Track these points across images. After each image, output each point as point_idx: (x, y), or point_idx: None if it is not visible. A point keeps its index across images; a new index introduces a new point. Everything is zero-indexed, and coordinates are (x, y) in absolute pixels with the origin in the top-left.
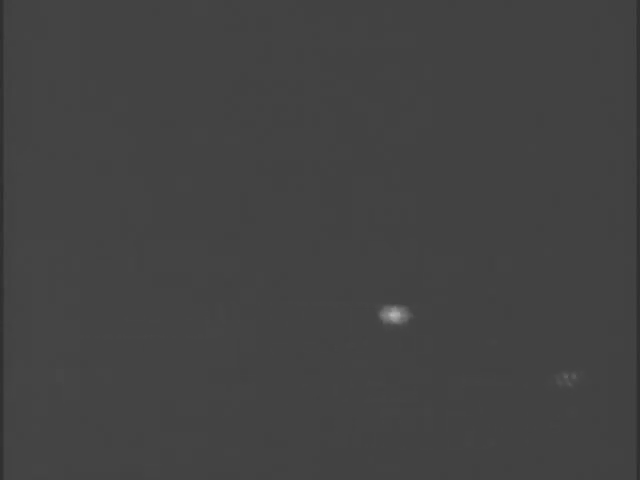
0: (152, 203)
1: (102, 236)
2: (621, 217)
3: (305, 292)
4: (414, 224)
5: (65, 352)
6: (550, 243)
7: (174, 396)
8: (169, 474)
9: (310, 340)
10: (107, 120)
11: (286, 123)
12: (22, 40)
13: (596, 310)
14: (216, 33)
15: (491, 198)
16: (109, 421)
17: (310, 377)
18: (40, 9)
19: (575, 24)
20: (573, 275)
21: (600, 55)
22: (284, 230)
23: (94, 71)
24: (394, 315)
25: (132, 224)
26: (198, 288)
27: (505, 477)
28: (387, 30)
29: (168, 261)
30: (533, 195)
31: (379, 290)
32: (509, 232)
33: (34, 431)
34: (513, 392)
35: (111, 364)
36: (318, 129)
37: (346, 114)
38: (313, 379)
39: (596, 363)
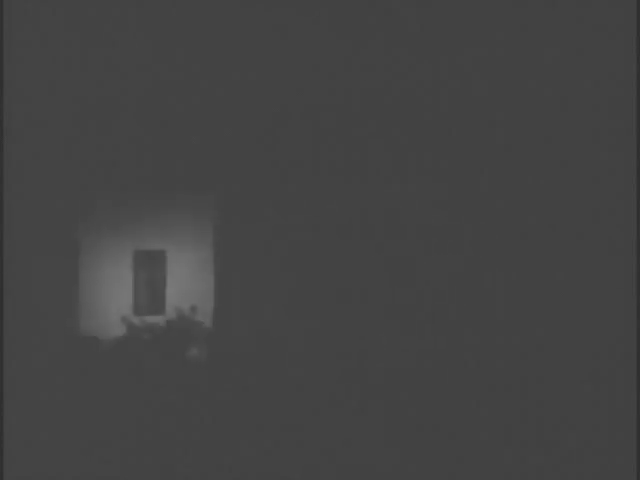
0: (153, 203)
1: (102, 235)
2: (621, 217)
3: (305, 291)
4: (415, 225)
5: (65, 352)
6: (551, 245)
7: (174, 397)
8: (170, 474)
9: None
10: (108, 120)
11: (288, 126)
12: (22, 40)
13: (596, 311)
14: (217, 34)
15: (493, 200)
16: (110, 421)
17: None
18: (40, 9)
19: (575, 24)
20: (574, 277)
21: (600, 55)
22: (284, 229)
23: (95, 71)
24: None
25: (133, 223)
26: (198, 286)
27: (505, 476)
28: (385, 35)
29: (169, 264)
30: (534, 198)
31: (380, 290)
32: (510, 234)
33: (34, 431)
34: (512, 393)
35: (112, 365)
36: (319, 131)
37: (347, 118)
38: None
39: (596, 364)
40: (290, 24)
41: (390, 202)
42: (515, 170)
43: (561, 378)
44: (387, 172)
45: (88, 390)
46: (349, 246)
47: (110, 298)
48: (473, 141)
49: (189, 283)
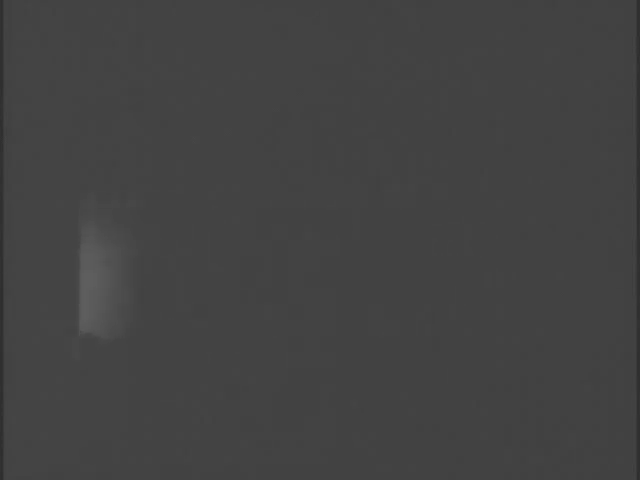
0: (154, 204)
1: (101, 235)
2: (621, 217)
3: (305, 291)
4: (415, 225)
5: (65, 352)
6: (551, 245)
7: (174, 396)
8: (170, 474)
9: (311, 340)
10: (108, 120)
11: (288, 126)
12: (22, 40)
13: (596, 311)
14: (217, 34)
15: (493, 200)
16: (111, 421)
17: (310, 377)
18: (40, 9)
19: (575, 24)
20: (574, 277)
21: (600, 55)
22: (283, 228)
23: (95, 71)
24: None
25: (133, 223)
26: (196, 288)
27: (505, 476)
28: (385, 35)
29: (168, 264)
30: (534, 198)
31: (379, 290)
32: (510, 234)
33: (34, 431)
34: (512, 393)
35: (111, 365)
36: (319, 131)
37: (347, 118)
38: (313, 379)
39: (596, 364)
40: (290, 24)
41: (390, 202)
42: (515, 170)
43: (561, 378)
44: (387, 172)
45: (88, 390)
46: (348, 246)
47: (109, 298)
48: (473, 141)
49: (188, 284)
